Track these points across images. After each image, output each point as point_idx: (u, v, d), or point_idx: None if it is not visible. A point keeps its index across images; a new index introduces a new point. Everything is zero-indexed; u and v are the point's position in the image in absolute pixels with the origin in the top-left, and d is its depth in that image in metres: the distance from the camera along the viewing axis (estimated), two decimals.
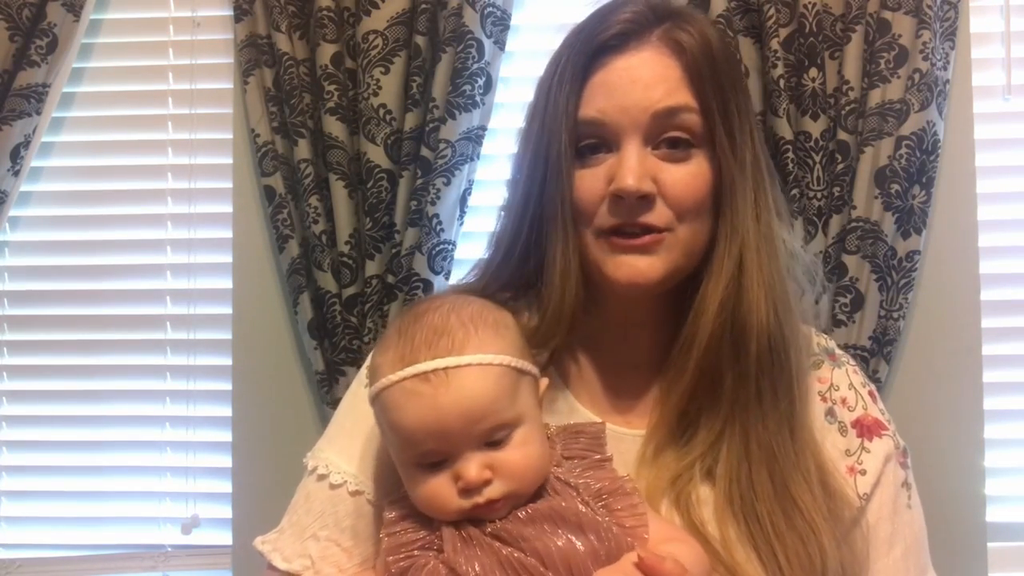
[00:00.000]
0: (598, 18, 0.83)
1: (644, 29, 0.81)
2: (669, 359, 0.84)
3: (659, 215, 0.79)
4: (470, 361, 0.69)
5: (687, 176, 0.79)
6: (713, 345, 0.80)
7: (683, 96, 0.79)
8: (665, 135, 0.79)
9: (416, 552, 0.70)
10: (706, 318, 0.80)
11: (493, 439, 0.69)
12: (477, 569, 0.66)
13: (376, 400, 0.73)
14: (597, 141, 0.80)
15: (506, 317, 0.76)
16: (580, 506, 0.69)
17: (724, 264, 0.80)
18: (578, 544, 0.67)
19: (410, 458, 0.70)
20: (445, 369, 0.68)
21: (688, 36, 0.80)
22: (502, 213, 0.90)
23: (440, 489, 0.69)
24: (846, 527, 0.80)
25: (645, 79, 0.79)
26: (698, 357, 0.80)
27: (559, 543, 0.67)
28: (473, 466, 0.68)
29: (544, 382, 0.77)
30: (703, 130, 0.80)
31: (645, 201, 0.78)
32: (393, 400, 0.70)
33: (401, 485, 0.75)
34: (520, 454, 0.70)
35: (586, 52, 0.81)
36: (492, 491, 0.68)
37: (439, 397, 0.68)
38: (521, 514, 0.69)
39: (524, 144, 0.86)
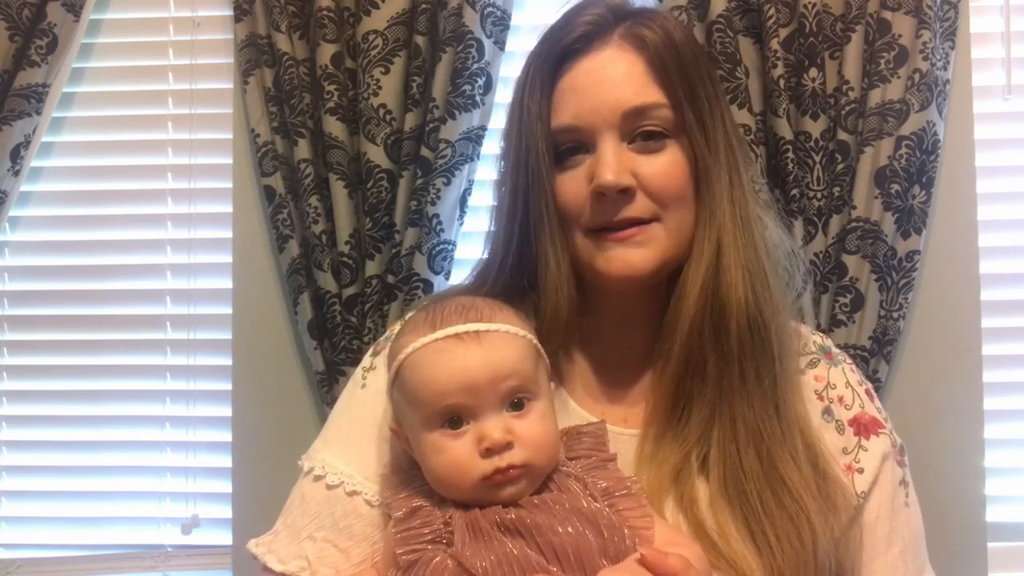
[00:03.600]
0: (560, 24, 0.85)
1: (605, 30, 0.82)
2: (655, 348, 0.85)
3: (641, 207, 0.80)
4: (499, 328, 0.74)
5: (664, 166, 0.80)
6: (695, 329, 0.81)
7: (652, 93, 0.80)
8: (639, 130, 0.80)
9: (425, 546, 0.70)
10: (687, 302, 0.81)
11: (515, 401, 0.72)
12: (485, 564, 0.66)
13: (402, 368, 0.74)
14: (574, 144, 0.81)
15: (523, 315, 0.79)
16: (589, 501, 0.70)
17: (704, 248, 0.81)
18: (590, 537, 0.68)
19: (434, 417, 0.72)
20: (476, 332, 0.73)
21: (649, 31, 0.81)
22: (493, 216, 0.91)
23: (463, 453, 0.71)
24: (841, 519, 0.80)
25: (612, 78, 0.80)
26: (681, 342, 0.81)
27: (572, 533, 0.68)
28: (496, 427, 0.71)
29: (552, 386, 0.78)
30: (675, 121, 0.81)
31: (626, 195, 0.79)
32: (425, 358, 0.73)
33: (410, 482, 0.75)
34: (539, 427, 0.73)
35: (552, 58, 0.83)
36: (513, 456, 0.70)
37: (470, 354, 0.72)
38: (536, 500, 0.71)
39: (505, 154, 0.87)
